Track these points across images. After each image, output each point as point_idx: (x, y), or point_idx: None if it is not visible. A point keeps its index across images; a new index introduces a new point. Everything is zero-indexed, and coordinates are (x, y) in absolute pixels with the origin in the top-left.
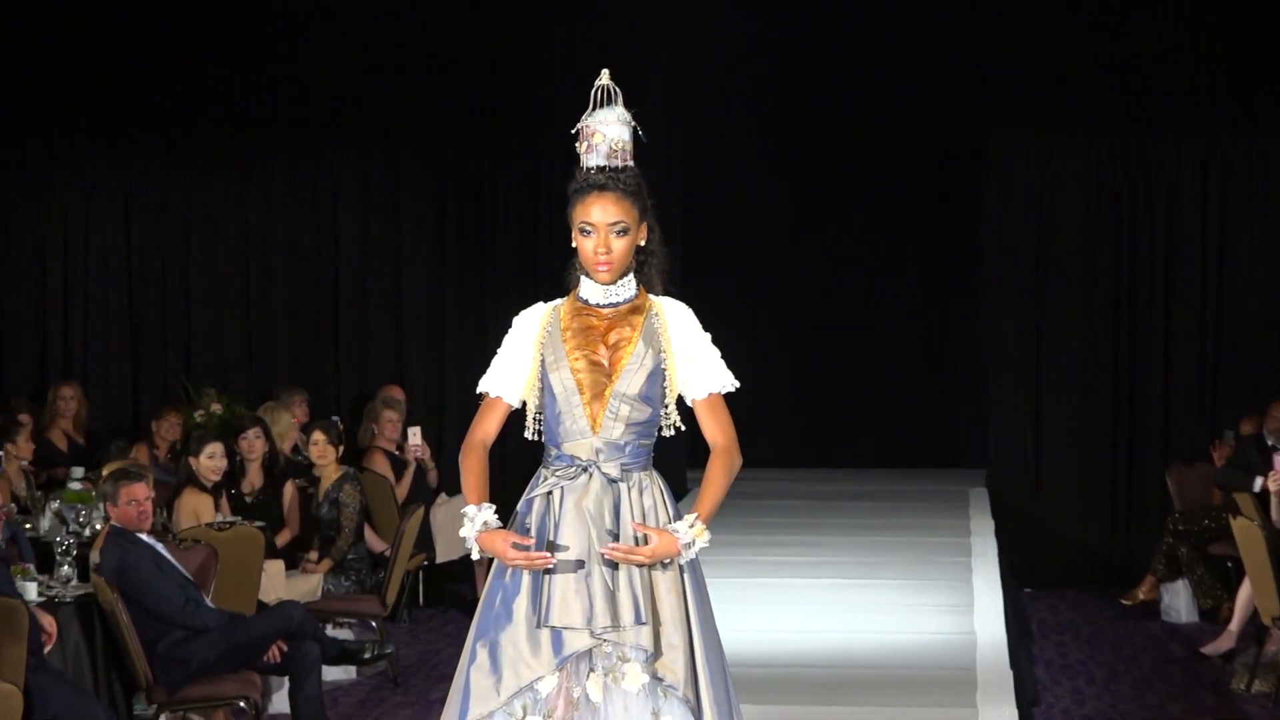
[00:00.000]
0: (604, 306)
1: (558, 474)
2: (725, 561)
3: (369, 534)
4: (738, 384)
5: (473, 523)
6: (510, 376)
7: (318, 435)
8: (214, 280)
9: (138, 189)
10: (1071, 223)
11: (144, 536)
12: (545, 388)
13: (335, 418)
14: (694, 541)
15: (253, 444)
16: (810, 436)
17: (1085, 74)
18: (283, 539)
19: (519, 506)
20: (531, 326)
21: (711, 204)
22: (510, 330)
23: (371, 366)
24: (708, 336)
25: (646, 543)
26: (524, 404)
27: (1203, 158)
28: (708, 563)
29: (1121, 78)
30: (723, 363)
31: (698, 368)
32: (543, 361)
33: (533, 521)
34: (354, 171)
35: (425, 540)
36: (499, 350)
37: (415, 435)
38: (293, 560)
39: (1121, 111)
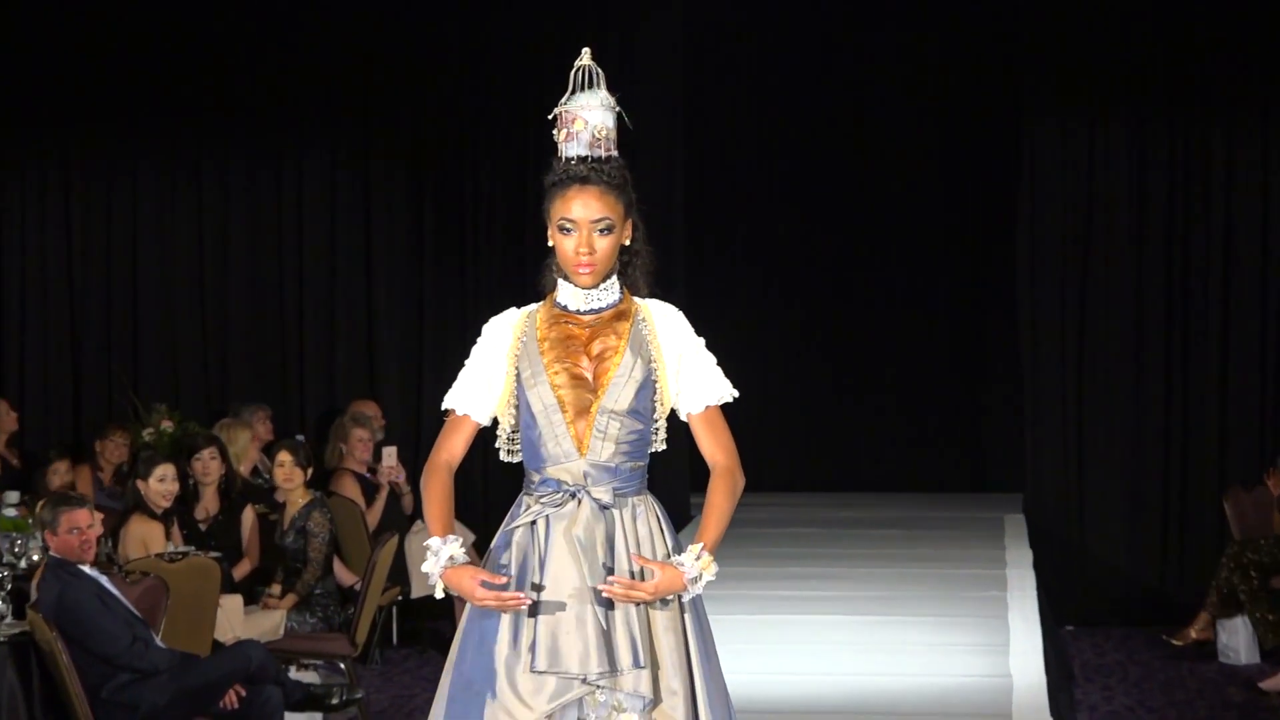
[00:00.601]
0: (585, 313)
1: (542, 501)
2: (732, 596)
3: (337, 566)
4: (736, 393)
5: (437, 557)
6: (480, 392)
7: (284, 456)
8: (165, 285)
9: (80, 185)
10: (1118, 222)
11: (86, 569)
12: (522, 405)
13: (300, 436)
14: (700, 575)
15: (207, 465)
16: (826, 457)
17: (1131, 53)
18: (241, 571)
19: (496, 539)
20: (504, 336)
21: (716, 203)
22: (479, 339)
23: (340, 380)
24: (701, 342)
25: (648, 577)
26: (495, 422)
27: (1263, 148)
28: (711, 598)
29: (1173, 56)
30: (719, 370)
31: (692, 377)
32: (518, 375)
33: (513, 556)
34: (321, 166)
35: (399, 573)
36: (466, 362)
37: (389, 456)
38: (252, 595)
39: (1173, 96)
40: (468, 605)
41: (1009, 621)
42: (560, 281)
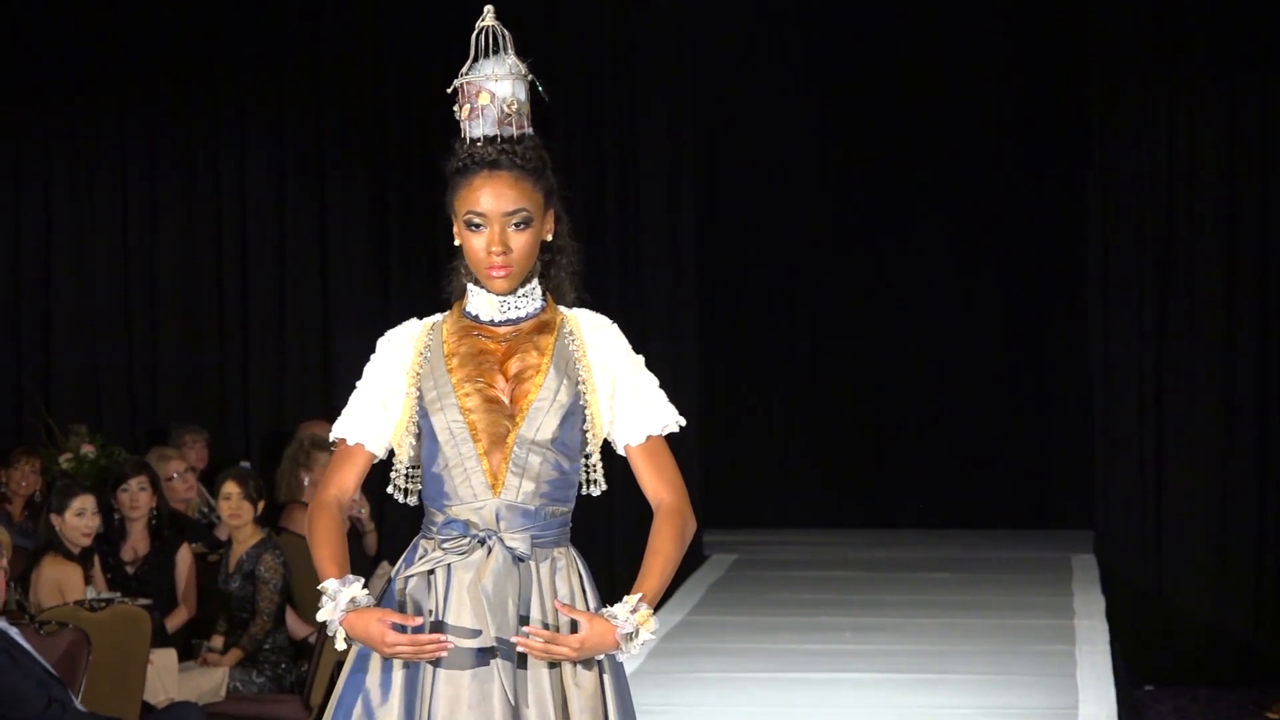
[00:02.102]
0: (501, 324)
1: (445, 546)
2: (750, 651)
3: (289, 616)
4: (683, 421)
5: (335, 601)
6: (374, 417)
7: (231, 488)
8: (84, 288)
9: None
10: (1203, 216)
11: None
12: (424, 432)
13: (246, 463)
14: (637, 631)
15: (136, 498)
16: (862, 489)
17: (1219, 5)
18: (176, 621)
19: (391, 585)
20: (402, 351)
21: (732, 199)
22: (374, 356)
23: (289, 399)
24: (640, 360)
25: (574, 630)
26: (391, 454)
27: None
28: (726, 653)
29: (1269, 11)
30: (662, 394)
31: (629, 402)
32: (420, 398)
33: (409, 606)
34: (266, 150)
35: None
36: (359, 383)
37: None
38: (189, 649)
39: (1274, 55)
40: (349, 661)
41: (1077, 681)
42: (470, 287)
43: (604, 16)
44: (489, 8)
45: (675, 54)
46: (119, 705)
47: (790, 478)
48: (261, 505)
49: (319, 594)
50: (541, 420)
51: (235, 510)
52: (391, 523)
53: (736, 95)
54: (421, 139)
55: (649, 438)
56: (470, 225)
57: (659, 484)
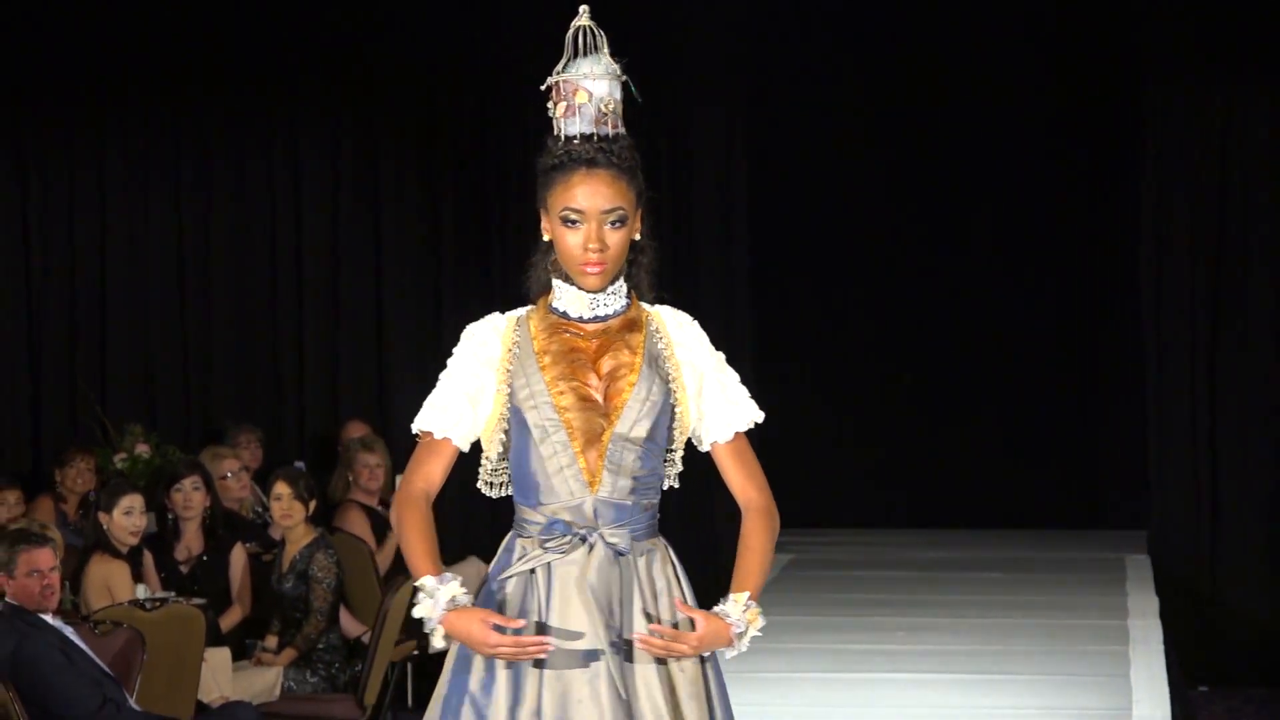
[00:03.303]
0: (590, 321)
1: (546, 545)
2: (803, 651)
3: (343, 615)
4: (762, 415)
5: (434, 599)
6: (462, 412)
7: (281, 488)
8: (138, 288)
9: (37, 170)
10: (1261, 206)
11: (48, 618)
12: (515, 430)
13: (300, 464)
14: (748, 629)
15: (190, 497)
16: (913, 488)
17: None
18: (230, 621)
19: (489, 585)
20: (489, 346)
21: (785, 200)
22: (459, 348)
23: (345, 398)
24: (721, 357)
25: (694, 628)
26: (475, 448)
27: None
28: (778, 652)
29: None
30: (744, 390)
31: (716, 400)
32: (511, 395)
33: (511, 606)
34: (319, 149)
35: (415, 623)
36: (442, 375)
37: None
38: (243, 648)
39: None
40: (450, 662)
41: (1131, 682)
42: (558, 283)
43: (655, 19)
44: (584, 7)
45: (728, 59)
46: (173, 704)
47: (843, 478)
48: (313, 505)
49: (373, 594)
50: (636, 418)
51: (287, 510)
52: (444, 524)
53: (788, 102)
54: (475, 141)
55: (736, 434)
56: (567, 221)
57: (747, 482)
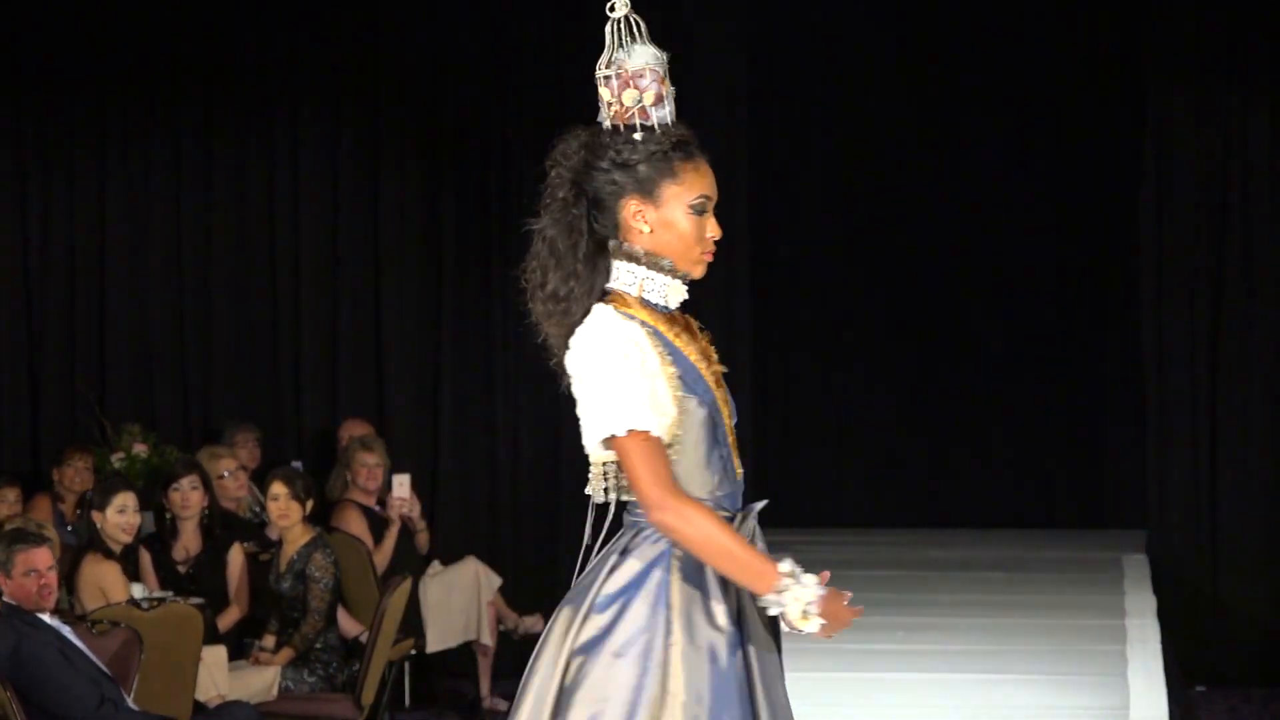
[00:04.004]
0: (668, 311)
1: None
2: (804, 650)
3: (341, 614)
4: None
5: (803, 584)
6: (660, 408)
7: (278, 488)
8: (137, 289)
9: (36, 170)
10: (1260, 211)
11: (46, 617)
12: (685, 423)
13: (297, 463)
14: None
15: (187, 497)
16: (914, 488)
17: (1276, 10)
18: (227, 620)
19: (682, 569)
20: (645, 345)
21: (784, 192)
22: (618, 354)
23: (343, 398)
24: None
25: None
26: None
27: None
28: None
29: None
30: None
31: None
32: (682, 390)
33: (721, 586)
34: (321, 151)
35: (412, 623)
36: (617, 378)
37: (402, 486)
38: (240, 648)
39: None
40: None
41: (1128, 681)
42: (652, 275)
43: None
44: None
45: (729, 52)
46: (171, 704)
47: (843, 477)
48: (310, 504)
49: (371, 594)
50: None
51: (283, 510)
52: (442, 523)
53: (789, 108)
54: (476, 145)
55: None
56: (699, 210)
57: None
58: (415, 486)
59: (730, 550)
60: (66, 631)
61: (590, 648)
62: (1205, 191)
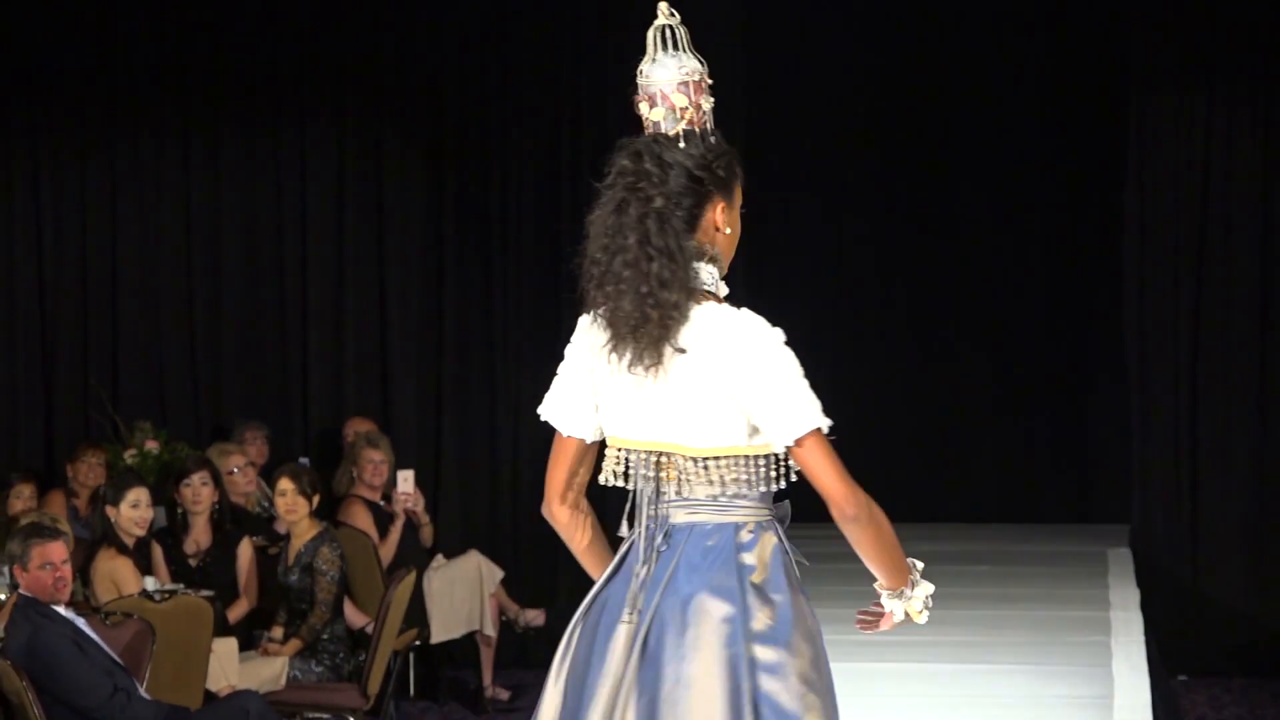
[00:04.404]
0: None
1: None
2: None
3: (347, 606)
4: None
5: (927, 584)
6: None
7: (286, 484)
8: (149, 288)
9: (49, 175)
10: (1241, 214)
11: (61, 609)
12: None
13: (304, 460)
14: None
15: (198, 492)
16: (906, 484)
17: (1255, 18)
18: (237, 612)
19: (791, 568)
20: None
21: (780, 190)
22: (792, 355)
23: (349, 396)
24: None
25: None
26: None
27: None
28: None
29: None
30: None
31: None
32: None
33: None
34: (325, 150)
35: (417, 614)
36: (802, 380)
37: (406, 481)
38: (250, 639)
39: None
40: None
41: (1113, 671)
42: (716, 275)
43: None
44: (664, 4)
45: (725, 57)
46: (182, 693)
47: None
48: (317, 499)
49: (376, 586)
50: None
51: (290, 506)
52: (445, 518)
53: (780, 113)
54: (478, 149)
55: None
56: (742, 213)
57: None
58: (419, 482)
59: (896, 543)
60: (81, 623)
61: (772, 637)
62: (1187, 195)
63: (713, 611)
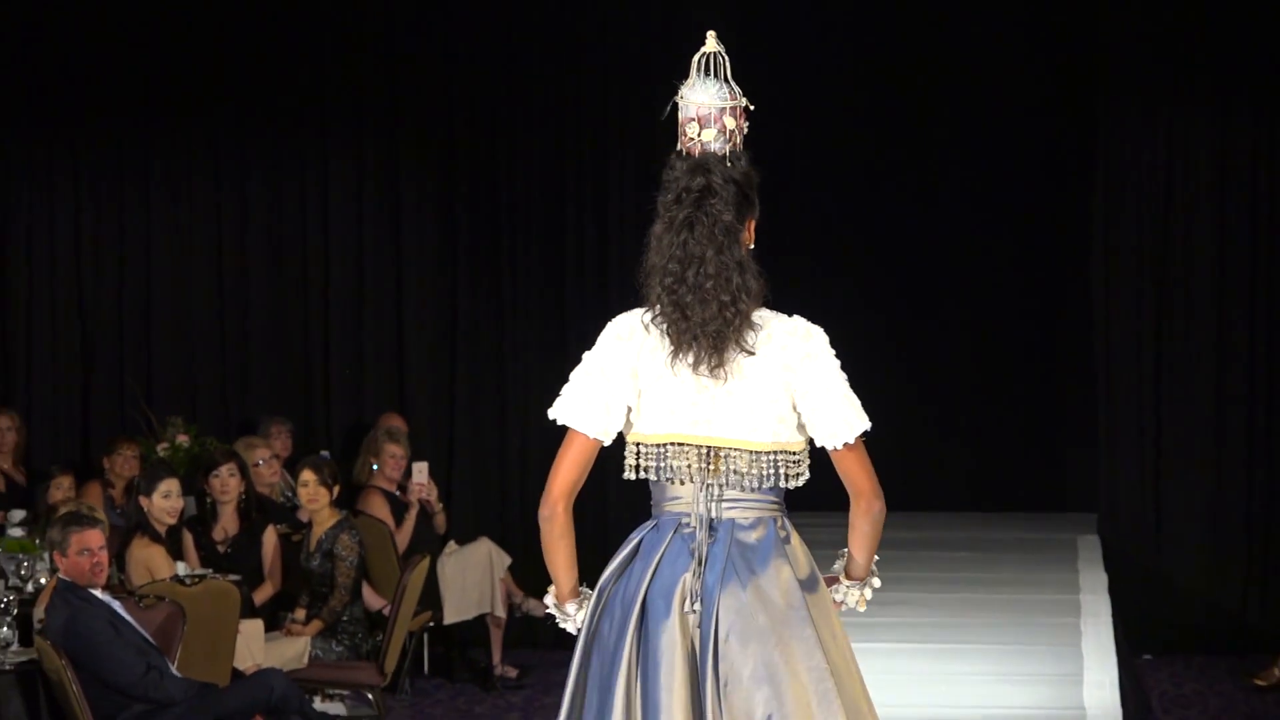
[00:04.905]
0: None
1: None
2: None
3: (365, 590)
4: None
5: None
6: None
7: (308, 475)
8: (181, 292)
9: (89, 188)
10: (1201, 218)
11: (98, 593)
12: None
13: (325, 453)
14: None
15: (226, 483)
16: (887, 474)
17: (1218, 34)
18: (262, 595)
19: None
20: None
21: (763, 195)
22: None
23: (367, 393)
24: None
25: None
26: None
27: None
28: None
29: (1266, 37)
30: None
31: None
32: None
33: None
34: (346, 163)
35: (431, 597)
36: (847, 383)
37: (420, 472)
38: (274, 620)
39: (1259, 83)
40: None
41: (1082, 650)
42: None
43: (649, 19)
44: (712, 33)
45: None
46: (211, 671)
47: (821, 465)
48: (337, 490)
49: (393, 571)
50: None
51: (312, 495)
52: (458, 507)
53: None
54: (488, 164)
55: None
56: None
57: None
58: (433, 473)
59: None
60: (116, 606)
61: (822, 618)
62: (1151, 200)
63: (778, 600)
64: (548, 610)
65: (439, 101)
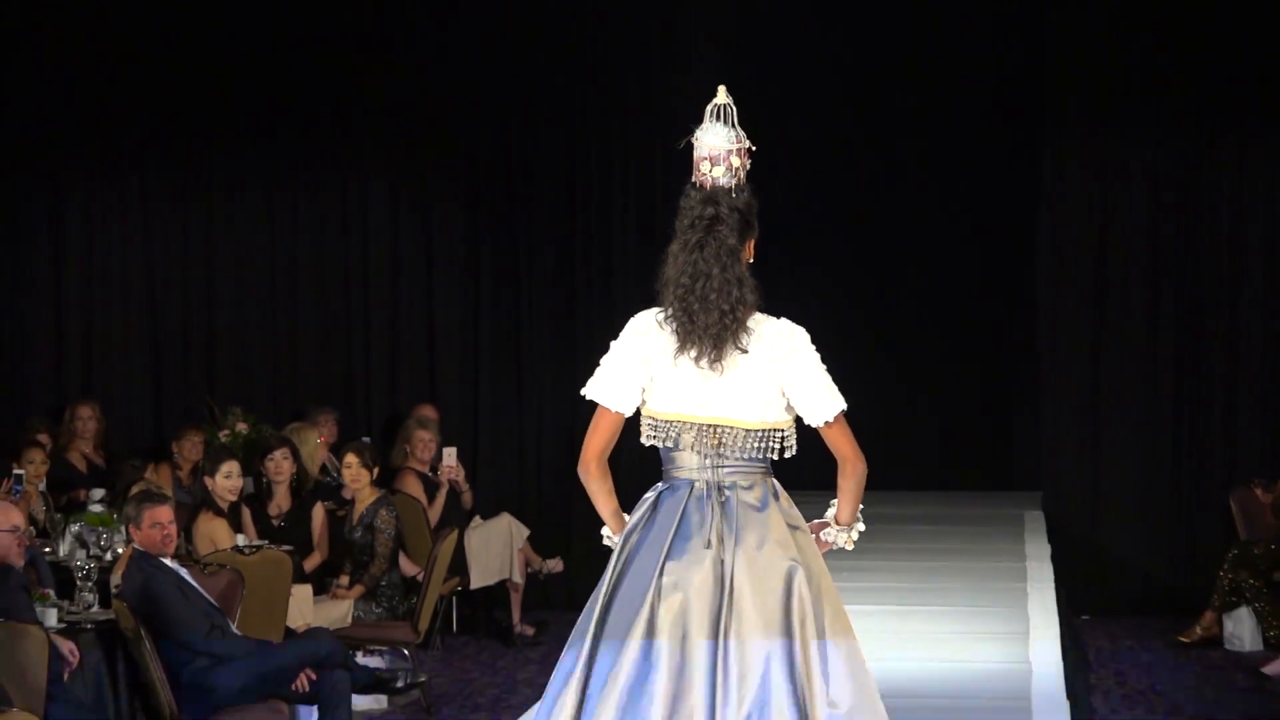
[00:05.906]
0: None
1: None
2: None
3: (401, 558)
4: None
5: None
6: None
7: (351, 458)
8: (240, 296)
9: (160, 202)
10: (1135, 228)
11: (168, 561)
12: None
13: (366, 439)
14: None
15: (280, 465)
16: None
17: (1154, 63)
18: (311, 563)
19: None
20: None
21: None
22: (815, 348)
23: (403, 386)
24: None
25: None
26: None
27: (1271, 162)
28: None
29: (1196, 68)
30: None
31: None
32: None
33: None
34: (383, 185)
35: (459, 565)
36: (825, 371)
37: (450, 456)
38: (321, 585)
39: (1193, 107)
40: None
41: (1029, 611)
42: (757, 292)
43: (644, 21)
44: (722, 88)
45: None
46: (267, 630)
47: (801, 450)
48: (376, 471)
49: (425, 542)
50: None
51: (355, 476)
52: (482, 486)
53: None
54: (510, 183)
55: None
56: None
57: None
58: (460, 456)
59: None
60: (184, 572)
61: (810, 559)
62: (1091, 205)
63: (774, 536)
64: (604, 543)
65: (464, 137)
